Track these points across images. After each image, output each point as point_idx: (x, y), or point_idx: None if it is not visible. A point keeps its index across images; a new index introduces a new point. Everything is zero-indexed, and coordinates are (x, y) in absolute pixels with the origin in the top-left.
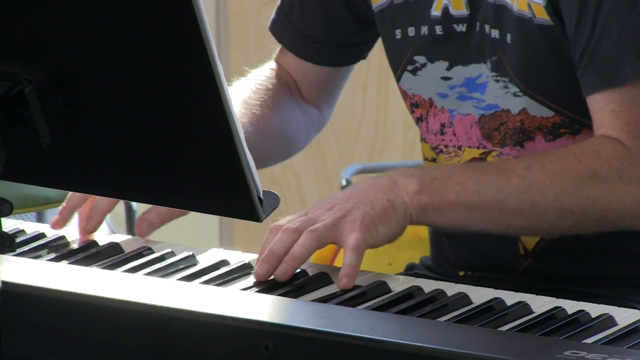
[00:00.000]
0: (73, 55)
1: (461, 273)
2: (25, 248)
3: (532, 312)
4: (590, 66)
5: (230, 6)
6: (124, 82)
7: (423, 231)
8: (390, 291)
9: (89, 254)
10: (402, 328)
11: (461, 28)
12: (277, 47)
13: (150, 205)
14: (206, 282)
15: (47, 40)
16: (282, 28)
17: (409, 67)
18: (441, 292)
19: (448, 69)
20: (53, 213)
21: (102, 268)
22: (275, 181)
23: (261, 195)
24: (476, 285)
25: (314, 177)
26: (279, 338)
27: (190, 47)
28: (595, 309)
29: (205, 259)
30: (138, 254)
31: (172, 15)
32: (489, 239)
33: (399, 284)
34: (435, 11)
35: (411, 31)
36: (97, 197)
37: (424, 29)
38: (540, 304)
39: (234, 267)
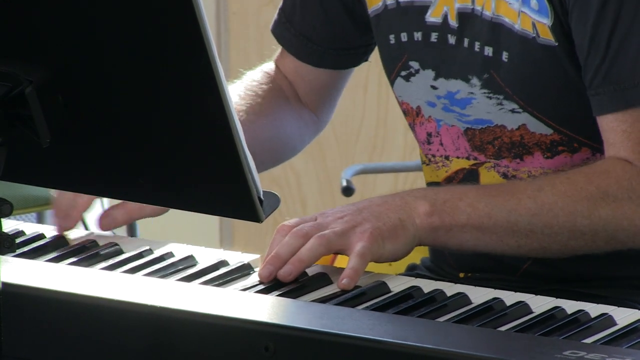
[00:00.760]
0: (73, 55)
1: (461, 275)
2: (25, 249)
3: (531, 312)
4: (604, 85)
5: (230, 6)
6: (124, 82)
7: None
8: (389, 291)
9: (89, 254)
10: (401, 328)
11: (452, 40)
12: (278, 47)
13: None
14: (206, 282)
15: (47, 40)
16: (283, 30)
17: (403, 73)
18: (440, 292)
19: (435, 78)
20: None
21: (101, 269)
22: (275, 181)
23: (261, 196)
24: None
25: (314, 177)
26: (279, 338)
27: (190, 47)
28: (594, 309)
29: (204, 260)
30: (138, 255)
31: (173, 15)
32: None
33: (399, 284)
34: (433, 17)
35: (404, 37)
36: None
37: (417, 35)
38: (540, 304)
39: (234, 267)
